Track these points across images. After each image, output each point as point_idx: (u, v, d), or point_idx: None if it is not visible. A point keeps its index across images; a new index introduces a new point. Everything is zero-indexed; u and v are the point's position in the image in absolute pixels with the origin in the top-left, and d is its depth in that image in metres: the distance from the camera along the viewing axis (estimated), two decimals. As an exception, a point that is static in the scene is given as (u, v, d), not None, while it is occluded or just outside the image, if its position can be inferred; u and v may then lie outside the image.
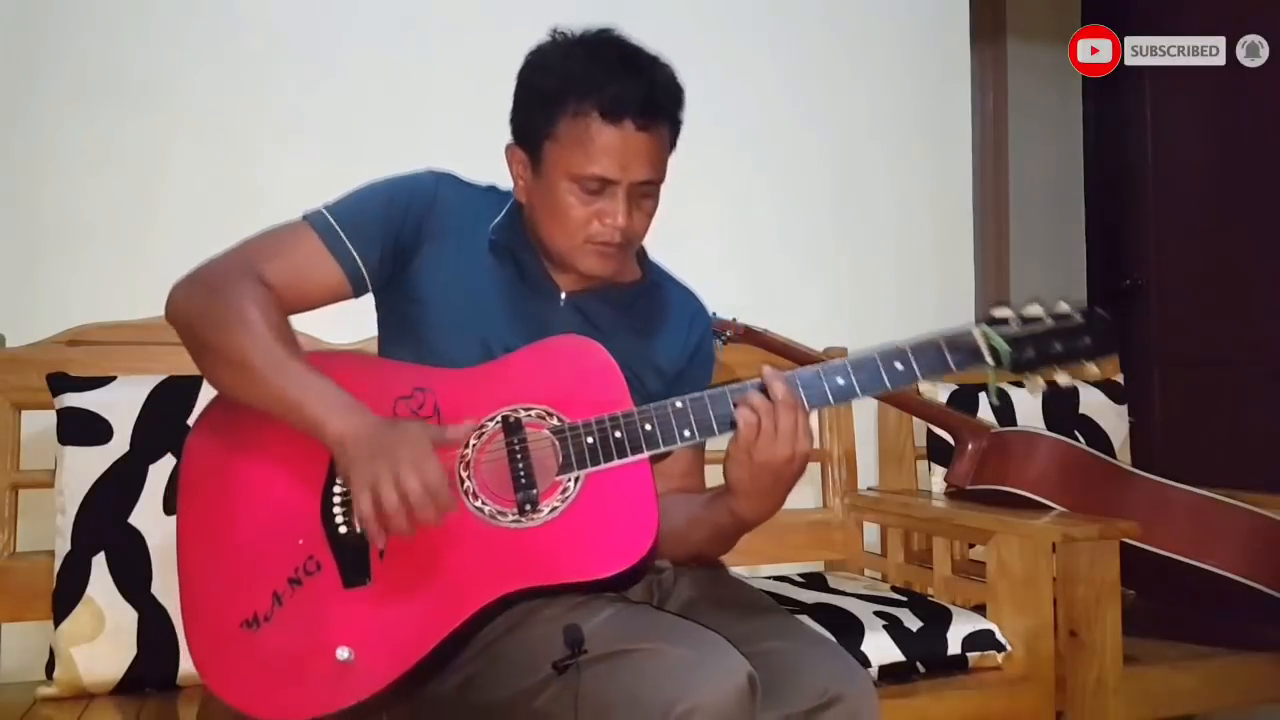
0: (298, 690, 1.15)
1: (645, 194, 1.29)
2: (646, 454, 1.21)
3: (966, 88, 2.61)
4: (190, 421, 1.32)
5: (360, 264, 1.30)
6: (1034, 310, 1.27)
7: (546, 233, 1.31)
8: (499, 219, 1.36)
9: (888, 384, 1.24)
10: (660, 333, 1.42)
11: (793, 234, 2.38)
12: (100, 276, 1.89)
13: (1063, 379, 1.26)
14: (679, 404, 1.22)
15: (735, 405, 1.20)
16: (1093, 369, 1.27)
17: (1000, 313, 1.26)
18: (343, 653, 1.14)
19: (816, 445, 2.16)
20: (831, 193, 2.43)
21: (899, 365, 1.23)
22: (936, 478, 2.15)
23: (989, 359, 1.23)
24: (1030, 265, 3.79)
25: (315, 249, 1.29)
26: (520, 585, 1.16)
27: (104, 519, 1.55)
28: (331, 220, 1.31)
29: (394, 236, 1.31)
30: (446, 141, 1.98)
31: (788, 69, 2.40)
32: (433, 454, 1.15)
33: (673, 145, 1.31)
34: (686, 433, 1.21)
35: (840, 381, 1.23)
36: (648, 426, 1.21)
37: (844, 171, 2.45)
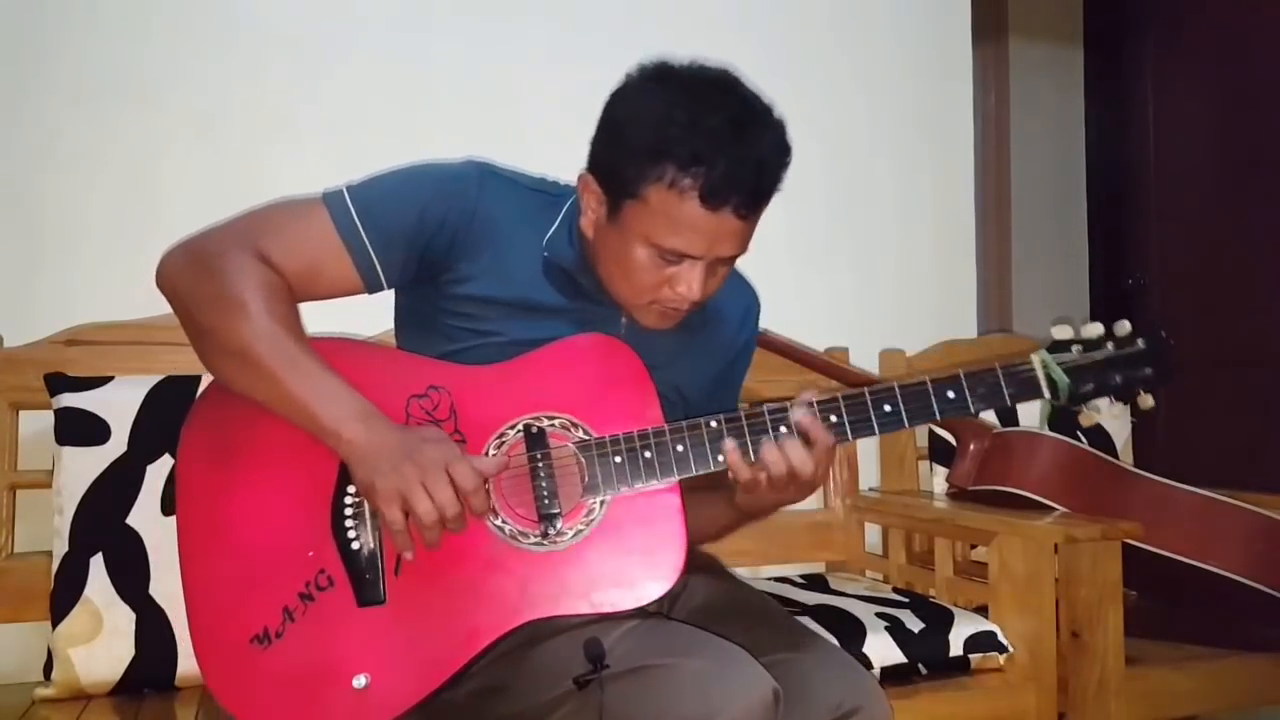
0: (312, 714, 1.12)
1: (725, 262, 1.18)
2: (677, 478, 1.15)
3: (968, 87, 2.60)
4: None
5: (378, 266, 1.18)
6: (1095, 331, 1.20)
7: (609, 279, 1.20)
8: (553, 232, 1.23)
9: (937, 414, 1.17)
10: (714, 338, 1.34)
11: (793, 234, 2.37)
12: (99, 276, 1.88)
13: (1117, 408, 1.21)
14: (713, 424, 1.15)
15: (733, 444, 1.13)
16: (1149, 399, 1.20)
17: (1061, 333, 1.20)
18: (359, 680, 1.11)
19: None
20: (832, 193, 2.43)
21: (951, 394, 1.17)
22: (938, 478, 2.14)
23: (1046, 392, 1.18)
24: (1032, 265, 3.79)
25: (328, 238, 1.16)
26: (539, 615, 1.12)
27: (102, 520, 1.55)
28: (352, 210, 1.17)
29: (423, 249, 1.19)
30: (448, 142, 1.97)
31: (788, 69, 2.39)
32: (460, 455, 1.09)
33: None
34: (720, 457, 1.15)
35: (887, 409, 1.16)
36: (679, 448, 1.14)
37: (844, 171, 2.44)
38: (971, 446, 1.96)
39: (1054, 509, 1.77)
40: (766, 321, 2.03)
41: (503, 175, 1.26)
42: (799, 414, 1.15)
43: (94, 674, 1.49)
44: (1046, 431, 1.99)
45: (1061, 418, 2.18)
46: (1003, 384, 1.17)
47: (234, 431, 1.17)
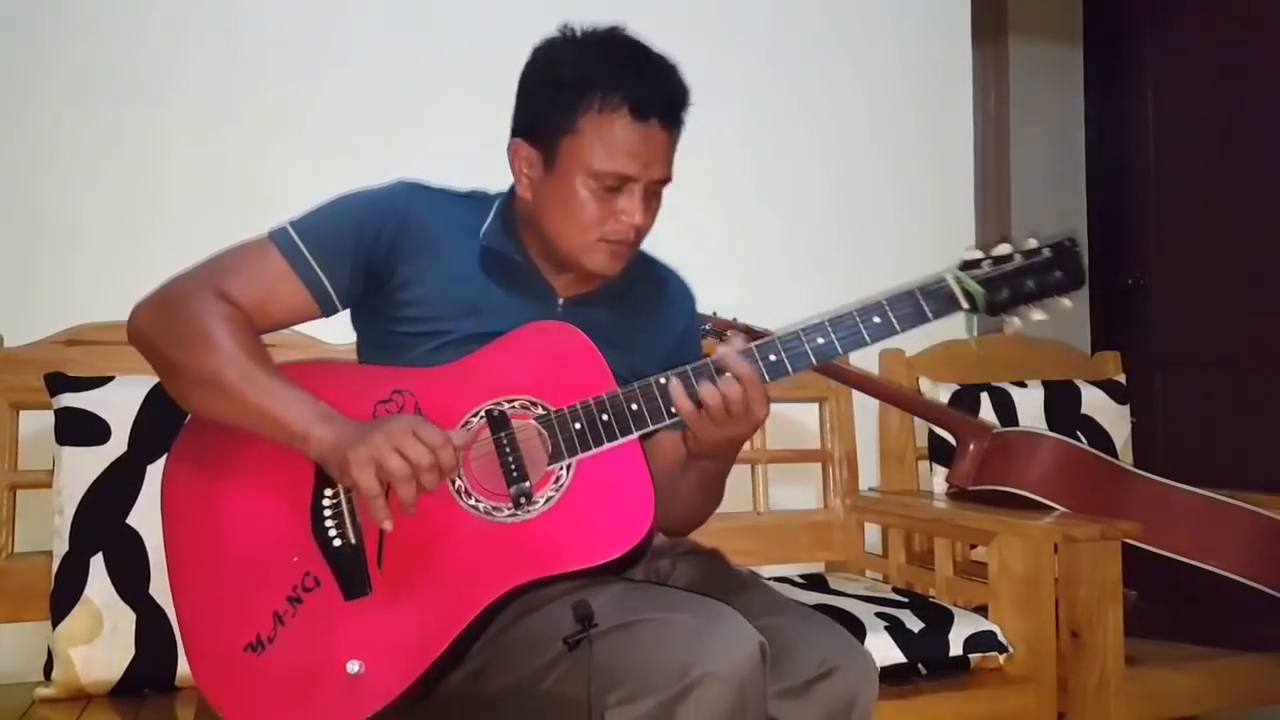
0: (310, 709, 1.14)
1: (656, 192, 1.29)
2: (635, 434, 1.21)
3: (968, 88, 2.60)
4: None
5: (328, 286, 1.28)
6: (1004, 249, 1.29)
7: (555, 231, 1.29)
8: (488, 224, 1.34)
9: (867, 338, 1.26)
10: (654, 325, 1.42)
11: (793, 234, 2.38)
12: (100, 276, 1.88)
13: (1037, 314, 1.29)
14: (663, 380, 1.23)
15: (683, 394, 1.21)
16: (1065, 302, 1.30)
17: (971, 255, 1.30)
18: (353, 666, 1.13)
19: (817, 446, 2.15)
20: (832, 193, 2.43)
21: (877, 319, 1.27)
22: (938, 478, 2.14)
23: (964, 303, 1.27)
24: (1032, 265, 3.79)
25: (279, 269, 1.27)
26: (524, 579, 1.15)
27: (102, 519, 1.55)
28: (297, 239, 1.28)
29: (365, 259, 1.29)
30: (448, 141, 1.98)
31: (788, 69, 2.40)
32: (425, 420, 1.16)
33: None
34: (673, 409, 1.22)
35: (820, 341, 1.26)
36: (634, 406, 1.21)
37: (844, 171, 2.44)
38: (971, 446, 1.96)
39: (1053, 509, 1.77)
40: (766, 322, 2.05)
41: (431, 189, 1.36)
42: (721, 351, 1.23)
43: (94, 674, 1.50)
44: (1046, 431, 1.99)
45: (1058, 416, 2.19)
46: (922, 302, 1.27)
47: (214, 457, 1.25)
